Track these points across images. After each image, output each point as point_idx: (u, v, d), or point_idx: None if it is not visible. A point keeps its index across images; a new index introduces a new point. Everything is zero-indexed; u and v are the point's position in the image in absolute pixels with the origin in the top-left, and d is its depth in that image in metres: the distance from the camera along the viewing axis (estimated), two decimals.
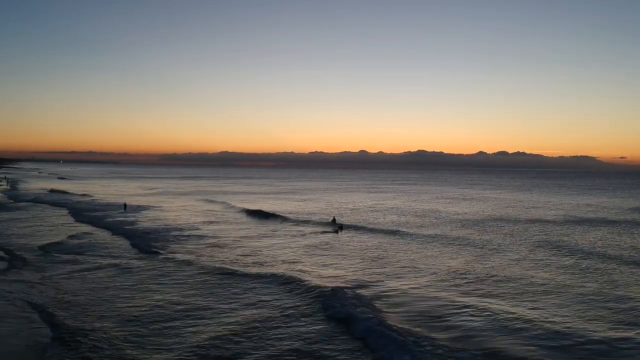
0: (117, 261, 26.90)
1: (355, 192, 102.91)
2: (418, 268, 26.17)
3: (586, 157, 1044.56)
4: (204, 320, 17.02)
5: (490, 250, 31.89)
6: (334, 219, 45.20)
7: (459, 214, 55.23)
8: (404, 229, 41.91)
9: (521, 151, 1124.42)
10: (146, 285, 21.69)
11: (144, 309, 18.01)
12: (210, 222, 45.56)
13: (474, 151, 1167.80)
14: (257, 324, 16.55)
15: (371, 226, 43.75)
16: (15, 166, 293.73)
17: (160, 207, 60.29)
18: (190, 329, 16.14)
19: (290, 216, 51.02)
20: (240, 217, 50.75)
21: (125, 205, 57.83)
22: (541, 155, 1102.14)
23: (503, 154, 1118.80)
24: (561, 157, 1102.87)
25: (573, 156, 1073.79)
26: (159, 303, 18.85)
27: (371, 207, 63.69)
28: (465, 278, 23.74)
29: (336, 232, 39.47)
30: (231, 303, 19.16)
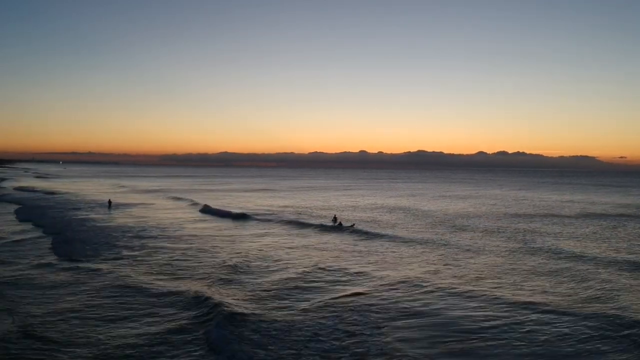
0: (17, 267, 22.68)
1: (350, 190, 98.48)
2: (370, 275, 21.72)
3: (586, 157, 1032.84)
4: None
5: (464, 252, 27.51)
6: (334, 218, 41.70)
7: (438, 211, 50.96)
8: (378, 229, 37.57)
9: (521, 151, 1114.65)
10: (35, 295, 18.07)
11: (20, 324, 15.04)
12: (160, 221, 40.97)
13: (474, 151, 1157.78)
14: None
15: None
16: (14, 167, 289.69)
17: (135, 204, 55.87)
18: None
19: (258, 214, 46.55)
20: (197, 216, 46.09)
21: (110, 202, 54.40)
22: (541, 155, 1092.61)
23: (503, 154, 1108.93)
24: (561, 157, 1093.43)
25: (573, 156, 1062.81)
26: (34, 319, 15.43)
27: (354, 206, 59.20)
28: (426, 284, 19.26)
29: (351, 226, 37.34)
30: (111, 325, 14.82)
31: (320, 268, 23.54)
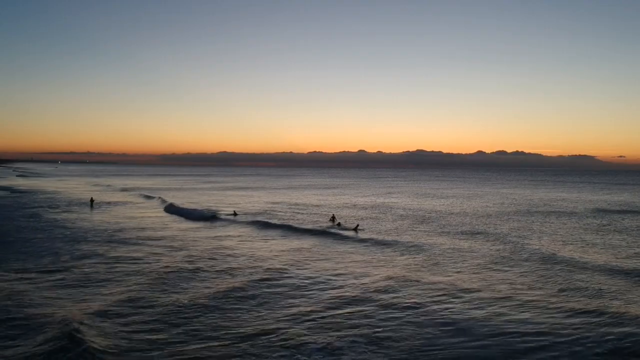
0: None
1: (348, 189, 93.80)
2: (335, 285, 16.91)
3: (585, 156, 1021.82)
4: None
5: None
6: (333, 217, 38.17)
7: (442, 210, 46.26)
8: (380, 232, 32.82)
9: (520, 150, 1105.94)
10: None
11: None
12: (115, 222, 36.15)
13: (473, 150, 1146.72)
14: None
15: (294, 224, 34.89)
16: (9, 166, 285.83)
17: (114, 203, 51.10)
18: None
19: (240, 213, 42.21)
20: (160, 215, 41.20)
21: (92, 200, 50.50)
22: (540, 155, 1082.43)
23: (502, 153, 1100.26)
24: (560, 157, 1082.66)
25: (572, 155, 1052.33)
26: None
27: (351, 204, 54.42)
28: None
29: (355, 230, 32.32)
30: None
31: (266, 278, 18.79)
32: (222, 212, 42.71)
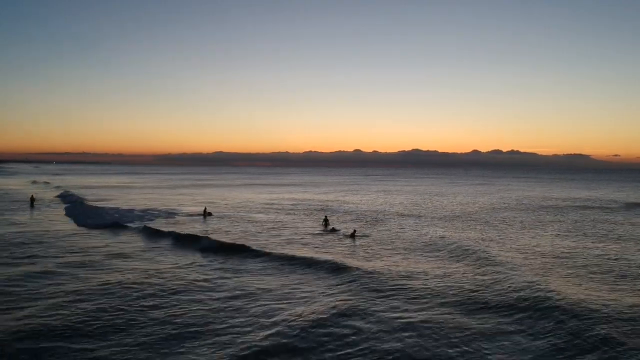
0: None
1: (343, 185, 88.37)
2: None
3: (580, 155, 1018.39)
4: None
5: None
6: (325, 218, 33.95)
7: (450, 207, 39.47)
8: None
9: (515, 150, 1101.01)
10: None
11: None
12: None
13: (468, 150, 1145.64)
14: None
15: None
16: (3, 167, 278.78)
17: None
18: None
19: (194, 213, 37.55)
20: (56, 219, 33.97)
21: (32, 199, 45.32)
22: (535, 154, 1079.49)
23: (497, 152, 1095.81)
24: (555, 156, 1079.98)
25: (567, 154, 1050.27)
26: None
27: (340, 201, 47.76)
28: None
29: (352, 237, 28.11)
30: None
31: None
32: (186, 211, 39.20)
